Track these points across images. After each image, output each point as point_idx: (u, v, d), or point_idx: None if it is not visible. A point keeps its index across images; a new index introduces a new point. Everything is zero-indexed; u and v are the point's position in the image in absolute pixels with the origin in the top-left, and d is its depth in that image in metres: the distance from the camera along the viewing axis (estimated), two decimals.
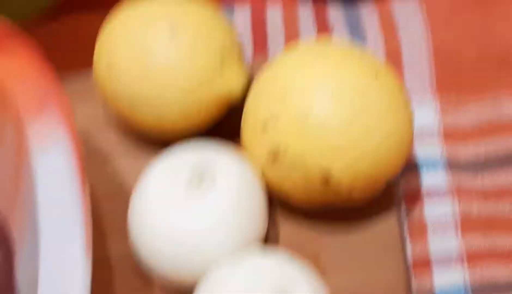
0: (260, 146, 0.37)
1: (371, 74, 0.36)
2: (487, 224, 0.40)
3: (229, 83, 0.39)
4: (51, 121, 0.32)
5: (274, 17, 0.48)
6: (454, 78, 0.45)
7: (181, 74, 0.38)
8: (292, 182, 0.37)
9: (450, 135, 0.43)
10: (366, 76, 0.36)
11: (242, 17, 0.48)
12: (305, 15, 0.48)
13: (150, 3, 0.40)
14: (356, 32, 0.47)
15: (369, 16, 0.47)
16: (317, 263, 0.38)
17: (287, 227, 0.39)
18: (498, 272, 0.39)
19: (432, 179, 0.41)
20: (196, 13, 0.40)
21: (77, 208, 0.30)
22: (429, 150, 0.42)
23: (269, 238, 0.39)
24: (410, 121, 0.37)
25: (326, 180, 0.36)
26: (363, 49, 0.38)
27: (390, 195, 0.40)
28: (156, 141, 0.42)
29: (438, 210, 0.40)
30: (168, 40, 0.38)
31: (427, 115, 0.43)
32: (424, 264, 0.39)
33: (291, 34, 0.47)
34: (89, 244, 0.29)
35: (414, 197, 0.41)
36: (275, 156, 0.36)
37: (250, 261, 0.34)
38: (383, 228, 0.39)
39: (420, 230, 0.40)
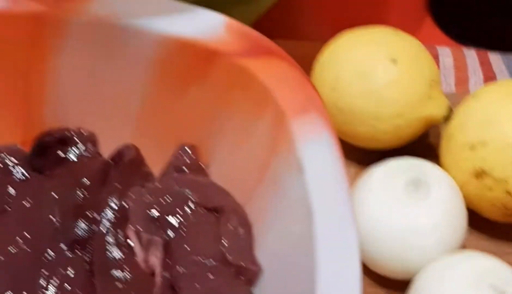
0: (465, 165, 0.42)
1: None
2: None
3: (434, 108, 0.45)
4: (313, 120, 0.36)
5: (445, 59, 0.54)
6: None
7: (397, 96, 0.44)
8: (490, 200, 0.42)
9: None
10: None
11: None
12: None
13: (372, 33, 0.46)
14: None
15: None
16: None
17: (480, 238, 0.44)
18: None
19: None
20: (410, 46, 0.46)
21: (345, 193, 0.34)
22: None
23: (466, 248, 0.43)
24: None
25: None
26: None
27: None
28: (363, 150, 0.47)
29: None
30: (389, 66, 0.44)
31: None
32: None
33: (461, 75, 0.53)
34: (357, 229, 0.33)
35: None
36: (478, 175, 0.42)
37: (466, 262, 0.39)
38: None
39: None
